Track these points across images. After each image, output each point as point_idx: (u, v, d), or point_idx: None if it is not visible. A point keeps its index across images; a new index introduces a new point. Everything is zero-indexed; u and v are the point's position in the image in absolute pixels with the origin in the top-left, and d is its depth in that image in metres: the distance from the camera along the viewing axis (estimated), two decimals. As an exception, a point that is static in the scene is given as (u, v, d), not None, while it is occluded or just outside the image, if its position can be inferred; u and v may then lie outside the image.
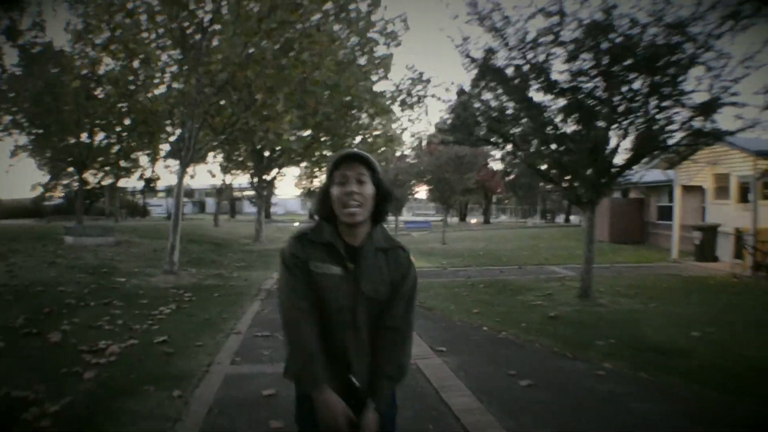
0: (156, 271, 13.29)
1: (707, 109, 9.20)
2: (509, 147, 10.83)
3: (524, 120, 10.14)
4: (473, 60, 10.14)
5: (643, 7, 9.09)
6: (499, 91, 10.27)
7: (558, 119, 9.96)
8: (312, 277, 2.35)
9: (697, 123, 9.36)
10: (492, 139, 10.79)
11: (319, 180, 50.09)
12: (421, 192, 42.21)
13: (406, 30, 21.20)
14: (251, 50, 11.34)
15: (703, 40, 8.97)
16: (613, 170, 9.87)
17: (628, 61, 9.18)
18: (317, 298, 2.35)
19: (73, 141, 31.17)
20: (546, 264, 16.96)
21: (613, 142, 9.54)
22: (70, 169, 40.92)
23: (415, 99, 21.70)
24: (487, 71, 10.22)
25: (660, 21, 8.98)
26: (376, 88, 20.36)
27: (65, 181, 52.04)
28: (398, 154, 29.21)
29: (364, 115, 20.88)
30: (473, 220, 57.37)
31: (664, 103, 9.29)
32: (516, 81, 9.79)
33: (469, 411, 4.79)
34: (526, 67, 9.74)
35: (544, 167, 10.71)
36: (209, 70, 11.12)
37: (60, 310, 8.46)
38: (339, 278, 2.35)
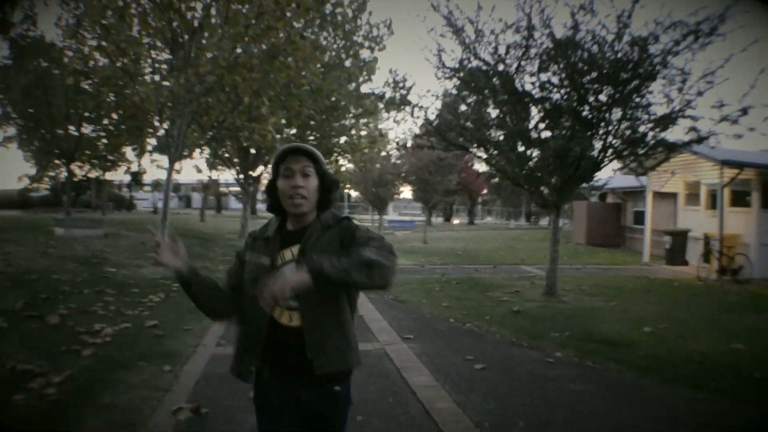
0: (144, 262, 13.82)
1: (666, 121, 9.87)
2: (481, 152, 11.45)
3: (494, 127, 10.79)
4: (447, 69, 10.80)
5: (606, 26, 9.77)
6: (471, 99, 10.94)
7: (530, 125, 10.63)
8: (244, 268, 2.49)
9: (652, 134, 10.03)
10: (464, 145, 11.43)
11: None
12: (406, 192, 42.77)
13: (390, 35, 21.79)
14: (239, 54, 11.97)
15: (661, 58, 9.62)
16: (576, 176, 10.46)
17: (593, 75, 9.86)
18: (243, 289, 2.46)
19: (61, 133, 31.49)
20: (520, 264, 17.60)
21: (576, 150, 10.15)
22: (57, 161, 41.35)
23: (397, 99, 22.29)
24: (464, 82, 10.86)
25: (621, 39, 9.66)
26: (362, 90, 20.98)
27: (52, 173, 52.42)
28: (383, 154, 29.69)
29: (348, 116, 21.43)
30: (456, 221, 58.02)
31: (626, 114, 9.97)
32: (486, 91, 10.45)
33: (426, 387, 5.45)
34: (496, 80, 10.36)
35: (511, 171, 11.31)
36: (198, 71, 11.70)
37: (56, 297, 8.99)
38: (264, 268, 2.39)
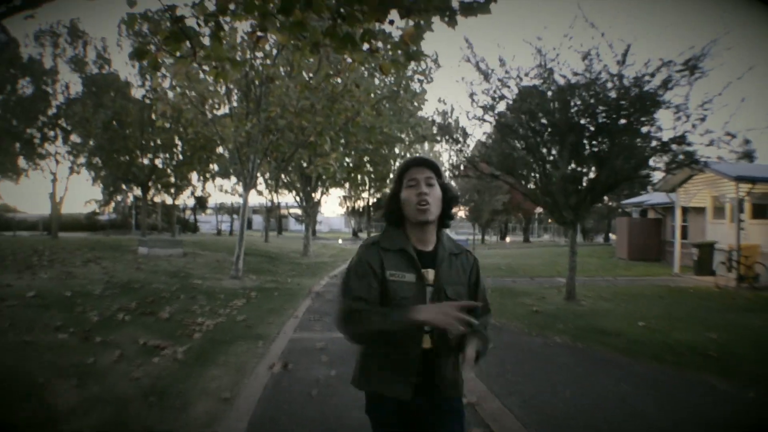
0: (223, 276, 16.10)
1: (664, 148, 11.63)
2: (509, 179, 13.33)
3: (520, 158, 12.68)
4: (475, 117, 12.80)
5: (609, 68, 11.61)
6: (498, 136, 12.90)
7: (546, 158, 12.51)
8: (387, 285, 2.39)
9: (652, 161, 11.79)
10: (493, 173, 13.37)
11: (362, 200, 52.75)
12: (461, 212, 44.56)
13: (438, 68, 23.90)
14: (304, 102, 14.27)
15: (655, 94, 11.38)
16: (589, 197, 12.24)
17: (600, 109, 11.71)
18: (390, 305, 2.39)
19: (138, 162, 34.38)
20: (556, 276, 19.16)
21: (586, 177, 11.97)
22: (125, 186, 44.36)
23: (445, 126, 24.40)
24: (500, 127, 12.82)
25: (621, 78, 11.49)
26: (412, 119, 23.11)
27: (119, 198, 55.66)
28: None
29: (401, 145, 23.50)
30: (509, 239, 59.36)
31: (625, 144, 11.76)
32: (512, 131, 12.39)
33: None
34: (523, 119, 12.27)
35: (536, 194, 13.14)
36: (270, 115, 14.02)
37: (159, 300, 11.23)
38: (413, 285, 2.41)
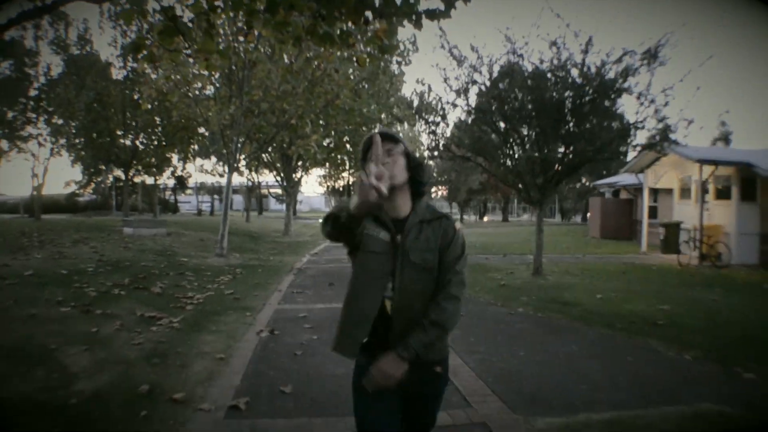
0: (208, 254, 16.76)
1: (622, 134, 12.40)
2: (480, 160, 14.07)
3: (490, 141, 13.41)
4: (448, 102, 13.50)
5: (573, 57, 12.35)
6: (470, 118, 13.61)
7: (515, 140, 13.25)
8: (363, 239, 2.48)
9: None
10: (465, 155, 14.10)
11: (342, 179, 53.24)
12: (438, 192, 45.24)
13: (416, 50, 24.48)
14: (286, 85, 14.92)
15: (612, 84, 12.12)
16: (554, 178, 13.01)
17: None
18: (359, 259, 2.52)
19: (120, 143, 34.66)
20: (528, 253, 19.80)
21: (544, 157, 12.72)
22: (103, 167, 44.46)
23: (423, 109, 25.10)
24: (471, 111, 13.52)
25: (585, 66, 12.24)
26: (391, 100, 23.75)
27: (99, 179, 55.61)
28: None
29: (381, 124, 24.17)
30: (486, 219, 60.23)
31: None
32: (484, 115, 13.10)
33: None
34: (493, 103, 12.97)
35: (506, 174, 13.91)
36: (253, 98, 14.66)
37: (150, 277, 11.89)
38: (385, 244, 2.49)
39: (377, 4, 5.37)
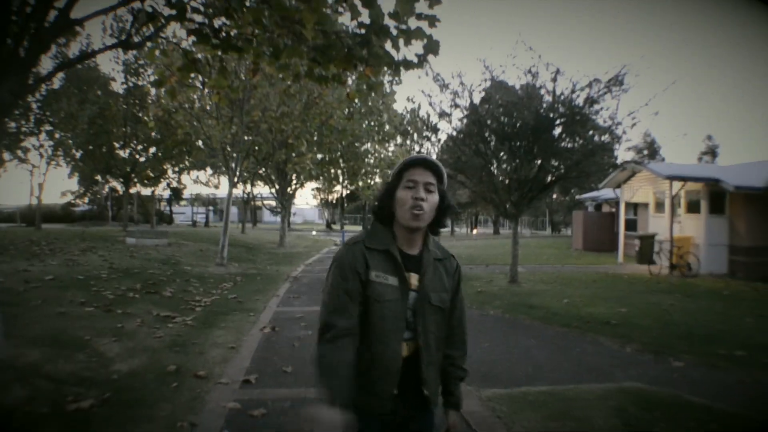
0: (208, 263, 17.95)
1: (588, 155, 13.65)
2: (461, 177, 15.32)
3: (469, 161, 14.66)
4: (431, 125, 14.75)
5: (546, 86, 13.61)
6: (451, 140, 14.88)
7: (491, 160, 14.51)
8: (370, 286, 2.28)
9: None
10: (450, 175, 15.32)
11: (335, 192, 54.34)
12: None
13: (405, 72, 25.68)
14: (284, 108, 16.23)
15: (584, 107, 13.39)
16: (528, 194, 14.25)
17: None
18: (370, 309, 2.28)
19: (119, 156, 35.77)
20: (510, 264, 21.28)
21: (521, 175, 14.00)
22: (99, 178, 45.33)
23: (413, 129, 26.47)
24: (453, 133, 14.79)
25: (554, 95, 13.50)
26: (383, 116, 25.07)
27: (95, 189, 56.51)
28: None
29: (368, 145, 25.47)
30: (475, 231, 61.32)
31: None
32: (465, 137, 14.37)
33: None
34: (473, 127, 14.23)
35: (480, 191, 15.17)
36: (253, 119, 15.95)
37: (159, 283, 13.04)
38: (396, 289, 2.30)
39: (364, 55, 6.56)
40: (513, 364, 7.13)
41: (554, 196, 54.26)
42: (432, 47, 6.43)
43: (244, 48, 6.71)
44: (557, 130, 13.48)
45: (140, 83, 32.52)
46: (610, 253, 27.00)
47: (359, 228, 50.50)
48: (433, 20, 6.37)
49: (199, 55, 7.56)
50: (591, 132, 14.03)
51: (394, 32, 6.27)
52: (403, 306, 2.32)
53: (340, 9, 6.34)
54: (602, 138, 13.94)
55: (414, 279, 2.35)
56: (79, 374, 6.09)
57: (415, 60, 6.76)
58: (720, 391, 6.24)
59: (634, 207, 26.23)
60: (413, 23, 6.34)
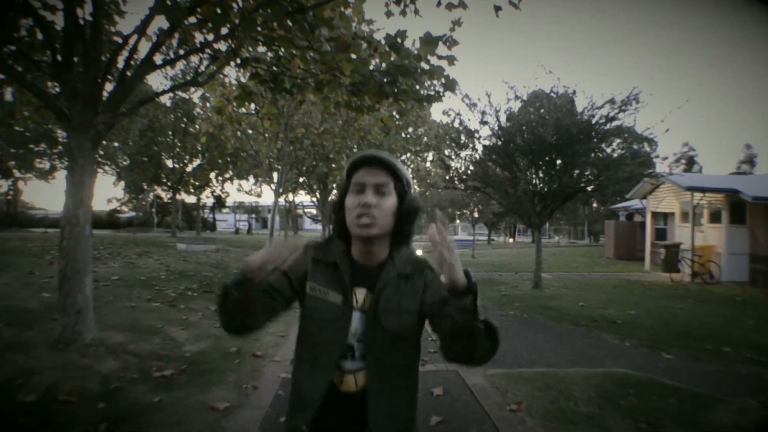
0: (256, 267, 19.31)
1: (606, 168, 14.74)
2: (489, 191, 16.50)
3: (494, 175, 15.85)
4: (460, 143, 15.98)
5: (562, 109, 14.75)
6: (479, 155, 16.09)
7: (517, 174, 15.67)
8: (305, 300, 2.03)
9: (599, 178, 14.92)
10: (476, 186, 16.55)
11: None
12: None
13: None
14: (326, 125, 17.65)
15: (602, 125, 14.48)
16: (551, 206, 15.38)
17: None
18: (303, 327, 2.09)
19: (166, 166, 37.77)
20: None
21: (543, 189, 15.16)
22: (146, 186, 47.42)
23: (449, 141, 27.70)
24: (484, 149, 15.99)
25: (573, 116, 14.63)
26: (420, 129, 26.43)
27: (140, 197, 58.73)
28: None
29: (404, 157, 26.77)
30: (511, 240, 62.11)
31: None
32: (491, 153, 15.57)
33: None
34: (499, 143, 15.42)
35: (506, 202, 16.35)
36: (297, 135, 17.41)
37: (213, 284, 14.45)
38: (335, 307, 1.98)
39: (393, 91, 7.84)
40: (518, 352, 8.34)
41: (594, 205, 54.93)
42: (449, 85, 7.72)
43: (293, 91, 8.07)
44: (577, 147, 14.48)
45: (186, 96, 34.52)
46: (639, 261, 27.66)
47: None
48: (452, 59, 7.66)
49: (253, 87, 8.92)
50: (612, 147, 15.13)
51: (419, 72, 7.54)
52: (343, 328, 1.97)
53: (373, 56, 7.60)
54: (623, 150, 15.02)
55: (361, 295, 1.99)
56: (157, 352, 7.47)
57: (436, 94, 8.06)
58: (696, 378, 7.25)
59: (664, 217, 26.97)
60: (435, 61, 7.63)
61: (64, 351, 6.80)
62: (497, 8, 7.40)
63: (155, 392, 5.80)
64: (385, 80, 7.60)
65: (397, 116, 8.87)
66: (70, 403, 5.30)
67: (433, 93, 8.09)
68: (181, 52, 7.80)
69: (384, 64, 7.65)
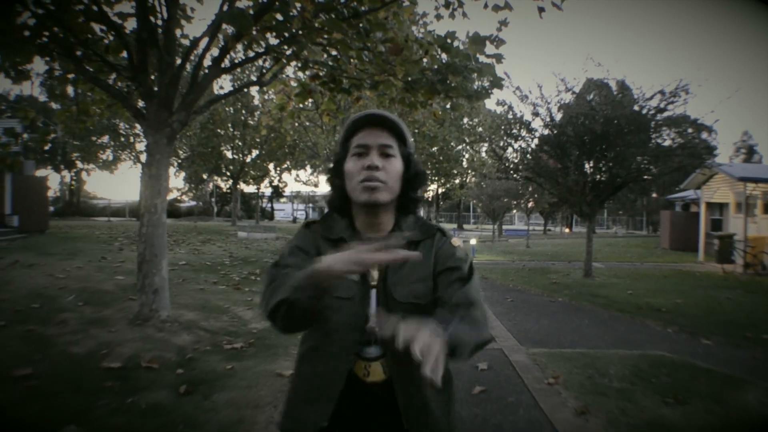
0: (314, 255, 20.06)
1: (656, 159, 14.97)
2: (540, 180, 16.86)
3: (546, 165, 16.20)
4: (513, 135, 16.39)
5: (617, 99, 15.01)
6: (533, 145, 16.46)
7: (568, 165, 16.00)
8: None
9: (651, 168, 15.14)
10: (528, 176, 16.92)
11: (430, 190, 56.25)
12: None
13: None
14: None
15: (652, 115, 14.71)
16: (601, 196, 15.68)
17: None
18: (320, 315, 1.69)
19: (227, 158, 39.00)
20: (594, 261, 22.46)
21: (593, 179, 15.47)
22: (205, 177, 48.83)
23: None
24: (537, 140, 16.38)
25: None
26: (473, 120, 26.87)
27: (200, 187, 60.31)
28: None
29: (459, 147, 27.25)
30: (567, 230, 61.63)
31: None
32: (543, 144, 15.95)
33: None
34: (551, 134, 15.78)
35: (558, 192, 16.69)
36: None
37: (274, 270, 15.19)
38: (354, 284, 1.76)
39: (444, 88, 8.36)
40: (561, 335, 8.84)
41: (653, 195, 54.20)
42: (496, 83, 8.21)
43: (351, 90, 8.67)
44: (627, 137, 14.70)
45: (245, 89, 35.57)
46: (694, 252, 27.51)
47: (454, 225, 51.98)
48: (499, 58, 8.15)
49: (313, 86, 9.53)
50: (663, 137, 15.37)
51: (468, 70, 8.04)
52: (362, 309, 1.78)
53: (424, 57, 8.13)
54: (674, 140, 15.23)
55: (375, 272, 1.80)
56: (226, 329, 8.19)
57: (483, 91, 8.56)
58: (731, 363, 7.53)
59: (719, 207, 26.78)
60: (483, 59, 8.12)
61: (142, 326, 7.58)
62: (541, 9, 7.84)
63: (228, 361, 6.49)
64: (436, 78, 8.12)
65: (451, 109, 9.36)
66: (151, 369, 6.02)
67: (481, 90, 8.57)
68: (250, 54, 8.47)
69: (435, 66, 8.17)
